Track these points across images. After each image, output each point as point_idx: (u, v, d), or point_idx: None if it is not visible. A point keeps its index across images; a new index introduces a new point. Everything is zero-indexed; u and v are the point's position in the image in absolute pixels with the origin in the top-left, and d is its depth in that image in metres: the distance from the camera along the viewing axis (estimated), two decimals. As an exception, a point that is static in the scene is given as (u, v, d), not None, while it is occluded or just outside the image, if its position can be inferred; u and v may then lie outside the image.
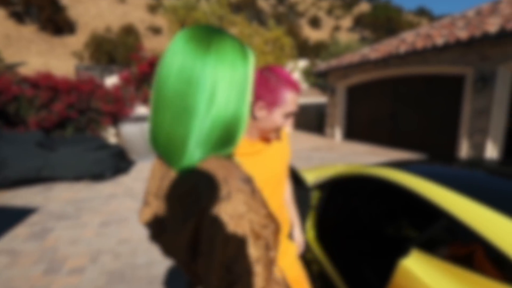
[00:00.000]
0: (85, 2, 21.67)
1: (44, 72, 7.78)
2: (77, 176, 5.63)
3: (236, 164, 0.54)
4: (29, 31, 15.81)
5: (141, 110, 10.47)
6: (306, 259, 2.05)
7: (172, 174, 0.57)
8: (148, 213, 0.64)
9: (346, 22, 31.31)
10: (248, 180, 0.51)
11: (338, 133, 11.00)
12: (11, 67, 11.41)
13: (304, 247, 1.30)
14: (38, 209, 4.45)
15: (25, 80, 7.33)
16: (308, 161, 7.43)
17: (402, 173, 1.56)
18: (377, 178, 1.69)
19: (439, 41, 6.88)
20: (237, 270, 0.46)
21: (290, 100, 0.93)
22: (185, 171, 0.53)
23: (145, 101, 10.51)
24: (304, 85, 19.02)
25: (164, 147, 0.56)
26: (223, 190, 0.47)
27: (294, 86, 0.94)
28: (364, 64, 9.34)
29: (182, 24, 12.35)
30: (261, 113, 0.92)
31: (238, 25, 14.09)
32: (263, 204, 0.52)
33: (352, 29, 29.66)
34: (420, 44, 7.44)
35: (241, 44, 0.58)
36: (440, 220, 1.22)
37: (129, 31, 18.33)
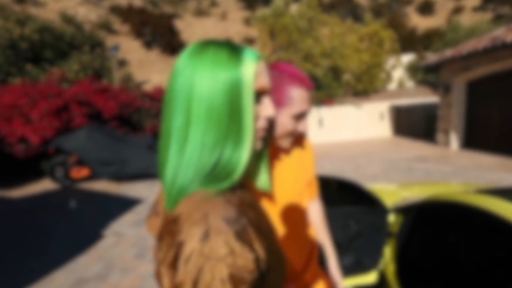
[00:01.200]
0: (194, 25, 25.50)
1: (158, 87, 9.42)
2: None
3: (227, 200, 0.47)
4: (154, 54, 19.84)
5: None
6: None
7: None
8: (157, 224, 0.62)
9: (472, 0, 25.20)
10: (233, 220, 0.44)
11: (454, 140, 8.89)
12: (139, 85, 14.46)
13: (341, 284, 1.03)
14: (144, 200, 5.30)
15: (145, 94, 9.04)
16: (408, 173, 6.24)
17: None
18: (495, 215, 1.11)
19: None
20: None
21: (298, 98, 0.78)
22: (170, 198, 0.49)
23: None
24: (409, 83, 16.43)
25: (159, 170, 0.53)
26: (201, 228, 0.43)
27: (301, 81, 0.79)
28: (496, 50, 7.19)
29: (270, 31, 12.74)
30: None
31: (329, 25, 13.45)
32: (255, 245, 0.45)
33: (480, 7, 23.63)
34: None
35: (232, 50, 0.48)
36: None
37: (226, 44, 20.68)
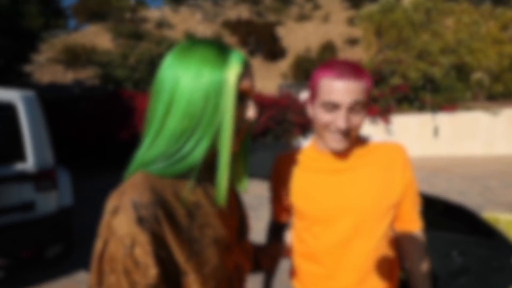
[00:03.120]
0: (295, 31, 25.97)
1: (259, 93, 10.04)
2: (267, 176, 6.76)
3: (151, 186, 0.49)
4: (257, 62, 21.38)
5: (328, 121, 10.86)
6: None
7: None
8: None
9: None
10: (142, 206, 0.46)
11: None
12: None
13: None
14: (235, 199, 5.72)
15: (245, 99, 9.81)
16: None
17: None
18: None
19: None
20: None
21: (326, 87, 0.72)
22: (128, 171, 0.54)
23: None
24: None
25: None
26: (115, 203, 0.47)
27: (329, 70, 0.72)
28: None
29: (377, 29, 11.51)
30: (309, 112, 0.81)
31: (455, 14, 11.10)
32: (168, 241, 0.47)
33: None
34: None
35: (219, 50, 0.52)
36: None
37: (326, 47, 19.89)
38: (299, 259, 0.87)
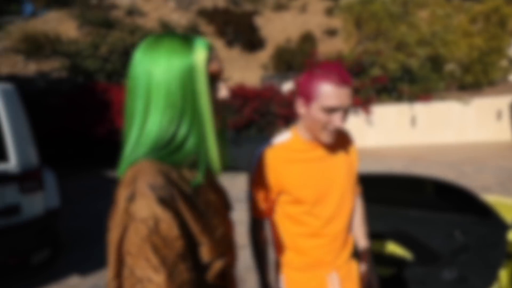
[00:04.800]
0: (273, 21, 25.70)
1: (239, 84, 9.86)
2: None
3: (159, 170, 0.52)
4: (235, 53, 20.98)
5: (311, 112, 10.96)
6: None
7: None
8: None
9: None
10: (158, 187, 0.49)
11: None
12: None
13: (374, 284, 1.08)
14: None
15: (228, 91, 9.61)
16: (543, 189, 4.86)
17: None
18: None
19: None
20: (139, 274, 0.47)
21: (328, 93, 0.83)
22: (123, 165, 0.55)
23: (315, 103, 10.88)
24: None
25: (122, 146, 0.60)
26: (129, 190, 0.49)
27: (332, 77, 0.82)
28: None
29: (356, 21, 11.68)
30: (301, 110, 0.92)
31: (429, 7, 11.53)
32: (184, 215, 0.51)
33: None
34: None
35: (184, 40, 0.55)
36: None
37: (306, 38, 19.90)
38: (300, 239, 0.97)
